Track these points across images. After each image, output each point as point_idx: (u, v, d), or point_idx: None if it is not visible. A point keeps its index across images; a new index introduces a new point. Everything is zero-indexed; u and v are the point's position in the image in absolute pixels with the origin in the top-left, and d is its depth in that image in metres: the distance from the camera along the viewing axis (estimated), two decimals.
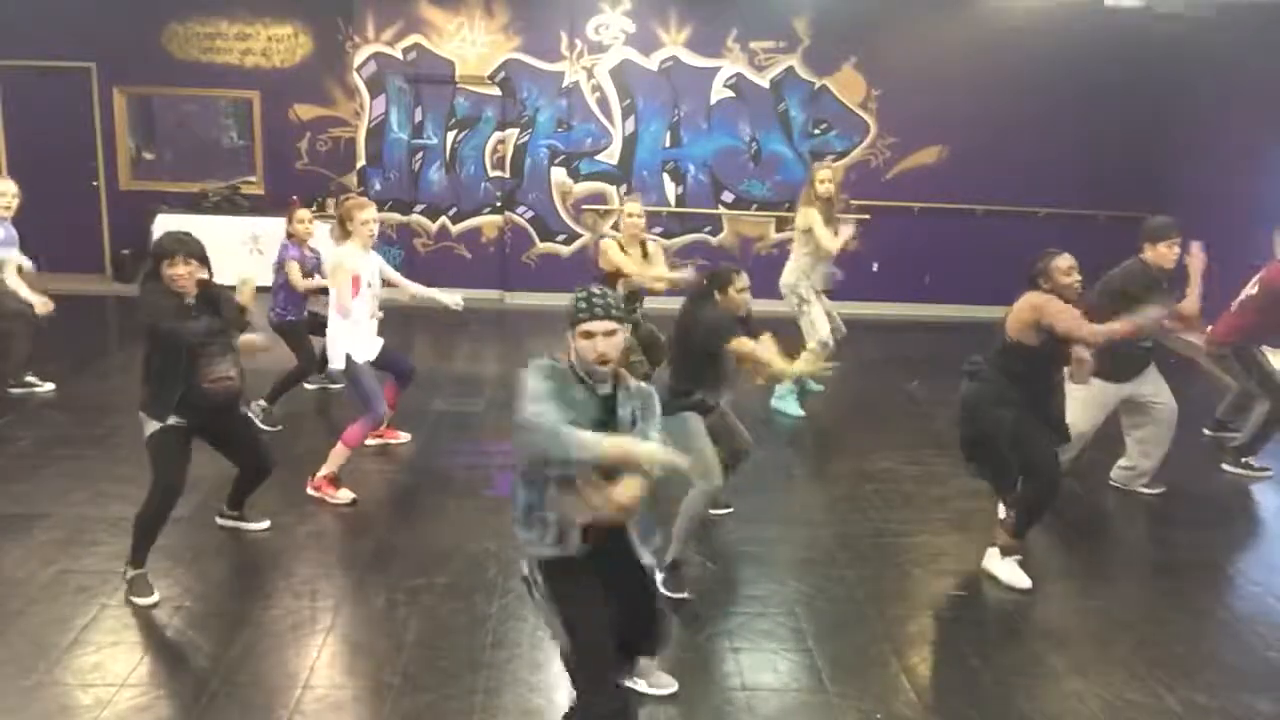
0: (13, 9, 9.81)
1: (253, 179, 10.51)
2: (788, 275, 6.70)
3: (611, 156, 10.03)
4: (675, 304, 4.51)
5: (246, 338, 4.22)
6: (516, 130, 9.95)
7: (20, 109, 10.26)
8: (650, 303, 6.42)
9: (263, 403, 6.10)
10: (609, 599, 2.86)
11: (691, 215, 10.16)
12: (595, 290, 2.85)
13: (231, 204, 10.08)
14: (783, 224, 9.98)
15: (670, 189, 10.10)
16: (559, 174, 10.07)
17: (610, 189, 10.11)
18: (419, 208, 10.13)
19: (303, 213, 6.34)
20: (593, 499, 2.69)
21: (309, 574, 4.35)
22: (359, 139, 9.98)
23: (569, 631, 2.83)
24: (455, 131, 9.97)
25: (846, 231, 6.50)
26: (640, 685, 3.45)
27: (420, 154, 10.01)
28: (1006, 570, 4.46)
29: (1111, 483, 5.60)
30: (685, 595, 4.21)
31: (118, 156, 10.42)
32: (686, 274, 5.98)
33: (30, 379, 6.68)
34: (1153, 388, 5.26)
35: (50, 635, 3.76)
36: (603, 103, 9.92)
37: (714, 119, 9.99)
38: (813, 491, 5.63)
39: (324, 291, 5.78)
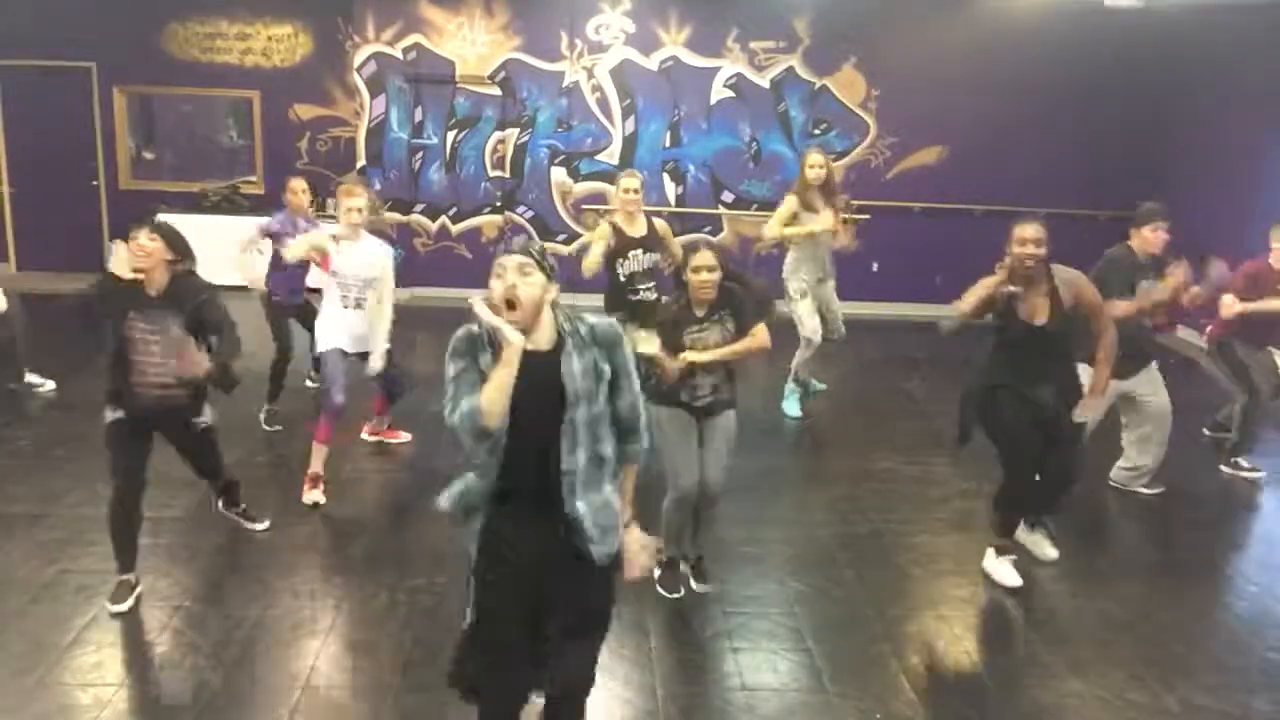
0: (13, 9, 9.81)
1: (253, 179, 10.50)
2: (783, 270, 6.69)
3: (611, 156, 10.02)
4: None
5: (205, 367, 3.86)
6: (516, 130, 9.95)
7: (20, 109, 10.25)
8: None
9: (267, 406, 6.10)
10: (541, 622, 2.60)
11: (691, 215, 10.15)
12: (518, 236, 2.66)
13: (231, 204, 10.07)
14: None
15: (670, 189, 10.10)
16: (559, 174, 10.07)
17: (610, 189, 10.08)
18: (419, 207, 10.13)
19: (296, 182, 6.14)
20: None
21: (309, 574, 4.35)
22: (359, 139, 9.98)
23: (475, 613, 2.62)
24: (455, 131, 9.96)
25: (825, 219, 6.30)
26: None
27: (420, 154, 10.01)
28: (999, 569, 4.47)
29: (1111, 483, 5.60)
30: (680, 594, 4.22)
31: (118, 156, 10.41)
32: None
33: (31, 378, 6.65)
34: (1149, 386, 5.26)
35: (50, 635, 3.76)
36: (603, 103, 9.92)
37: (714, 119, 9.99)
38: (813, 491, 5.63)
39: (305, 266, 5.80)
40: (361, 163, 9.96)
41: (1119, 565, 4.64)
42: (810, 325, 6.59)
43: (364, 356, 5.16)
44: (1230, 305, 5.65)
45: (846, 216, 6.68)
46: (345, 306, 5.08)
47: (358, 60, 9.80)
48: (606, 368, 2.53)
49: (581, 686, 2.73)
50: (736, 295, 4.08)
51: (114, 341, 3.81)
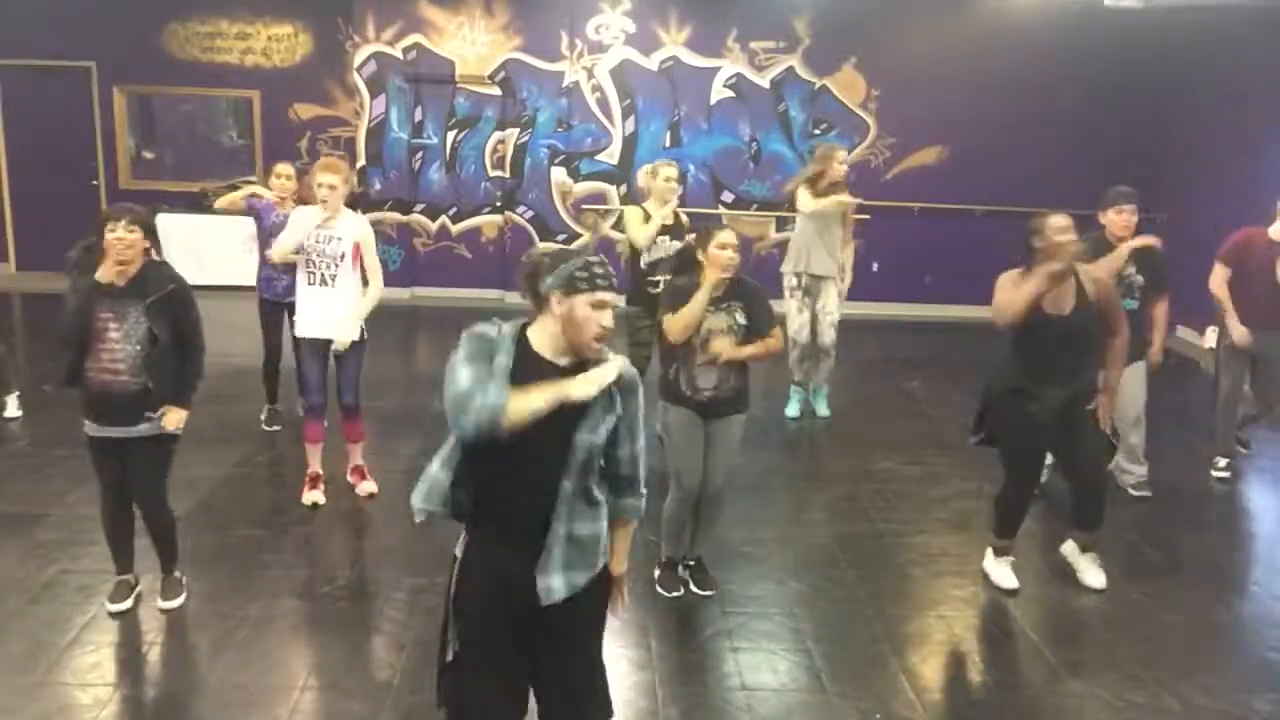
0: (13, 9, 9.81)
1: (253, 178, 10.47)
2: (783, 263, 6.67)
3: (611, 156, 10.03)
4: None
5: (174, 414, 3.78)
6: (516, 130, 9.95)
7: (20, 109, 10.26)
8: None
9: (267, 406, 6.09)
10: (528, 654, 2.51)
11: (691, 215, 10.12)
12: (593, 257, 2.46)
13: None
14: (783, 224, 9.98)
15: None
16: (559, 174, 10.07)
17: (610, 189, 10.10)
18: (419, 207, 10.13)
19: (281, 167, 5.85)
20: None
21: (309, 574, 4.35)
22: (359, 138, 9.98)
23: (457, 637, 2.51)
24: (455, 131, 9.97)
25: (823, 203, 6.18)
26: None
27: (420, 154, 10.01)
28: (996, 570, 4.47)
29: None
30: (679, 594, 4.23)
31: (118, 156, 10.42)
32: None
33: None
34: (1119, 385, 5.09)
35: (50, 635, 3.76)
36: (603, 103, 9.92)
37: (714, 119, 9.99)
38: (813, 491, 5.63)
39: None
40: (361, 162, 9.97)
41: (1119, 565, 4.63)
42: (795, 323, 6.50)
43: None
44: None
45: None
46: (311, 284, 4.80)
47: (358, 60, 9.80)
48: (618, 409, 2.46)
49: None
50: (750, 289, 4.04)
51: (71, 318, 3.65)
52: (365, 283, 4.90)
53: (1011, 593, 4.38)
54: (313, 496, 5.01)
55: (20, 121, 10.28)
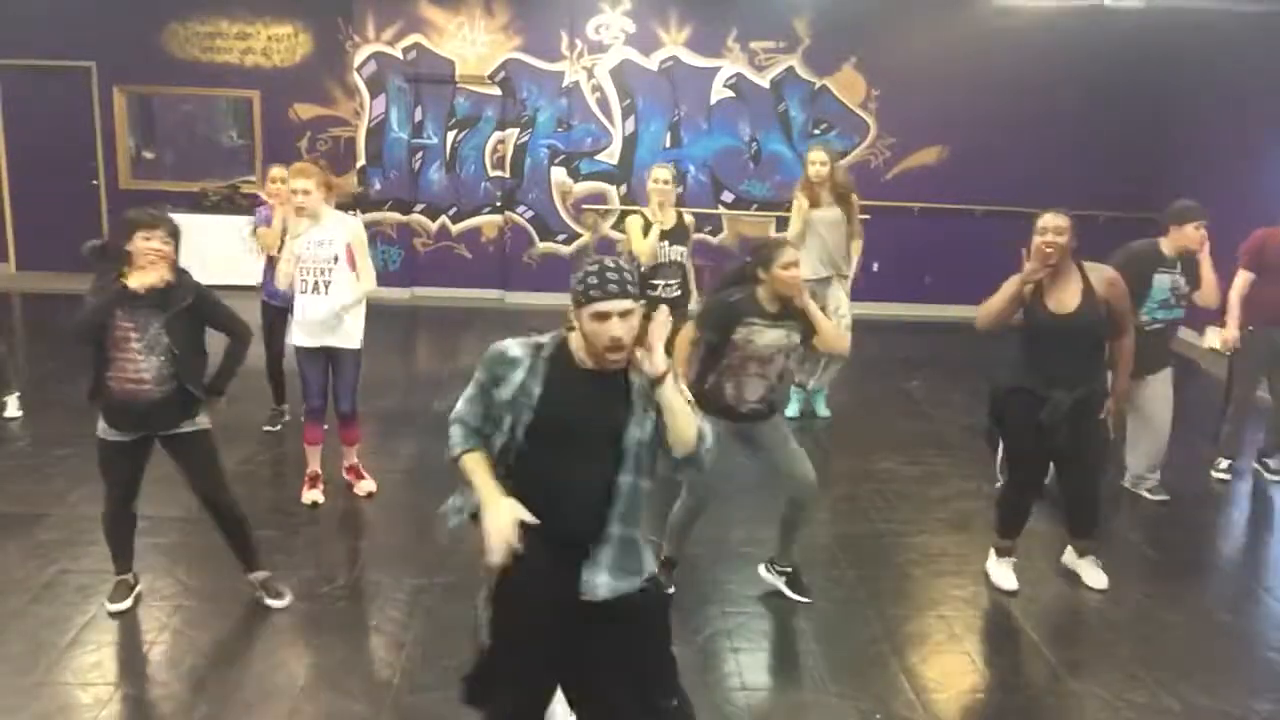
0: (13, 9, 9.81)
1: (253, 178, 10.50)
2: None
3: (611, 156, 10.02)
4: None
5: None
6: (516, 130, 9.95)
7: (20, 109, 10.26)
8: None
9: (273, 406, 6.08)
10: (573, 668, 2.50)
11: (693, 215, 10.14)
12: (609, 262, 2.36)
13: (231, 203, 10.07)
14: (783, 224, 9.96)
15: None
16: (559, 174, 10.06)
17: (610, 189, 10.10)
18: (419, 207, 10.12)
19: (275, 170, 5.81)
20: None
21: (309, 574, 4.34)
22: (359, 138, 9.98)
23: (490, 636, 2.52)
24: (455, 131, 9.96)
25: (794, 221, 6.29)
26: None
27: (420, 154, 10.00)
28: (996, 571, 4.47)
29: (1123, 483, 5.57)
30: (672, 590, 4.22)
31: (118, 156, 10.41)
32: None
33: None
34: (1152, 390, 5.14)
35: (50, 635, 3.76)
36: (603, 103, 9.92)
37: (714, 119, 9.99)
38: None
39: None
40: (361, 162, 9.97)
41: (1119, 565, 4.63)
42: None
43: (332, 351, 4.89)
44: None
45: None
46: (304, 291, 4.76)
47: (358, 60, 9.80)
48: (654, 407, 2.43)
49: None
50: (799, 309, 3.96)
51: (89, 316, 3.65)
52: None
53: (1011, 594, 4.38)
54: (312, 495, 5.01)
55: (20, 121, 10.28)
